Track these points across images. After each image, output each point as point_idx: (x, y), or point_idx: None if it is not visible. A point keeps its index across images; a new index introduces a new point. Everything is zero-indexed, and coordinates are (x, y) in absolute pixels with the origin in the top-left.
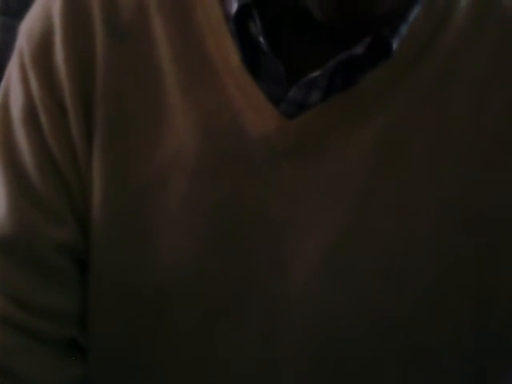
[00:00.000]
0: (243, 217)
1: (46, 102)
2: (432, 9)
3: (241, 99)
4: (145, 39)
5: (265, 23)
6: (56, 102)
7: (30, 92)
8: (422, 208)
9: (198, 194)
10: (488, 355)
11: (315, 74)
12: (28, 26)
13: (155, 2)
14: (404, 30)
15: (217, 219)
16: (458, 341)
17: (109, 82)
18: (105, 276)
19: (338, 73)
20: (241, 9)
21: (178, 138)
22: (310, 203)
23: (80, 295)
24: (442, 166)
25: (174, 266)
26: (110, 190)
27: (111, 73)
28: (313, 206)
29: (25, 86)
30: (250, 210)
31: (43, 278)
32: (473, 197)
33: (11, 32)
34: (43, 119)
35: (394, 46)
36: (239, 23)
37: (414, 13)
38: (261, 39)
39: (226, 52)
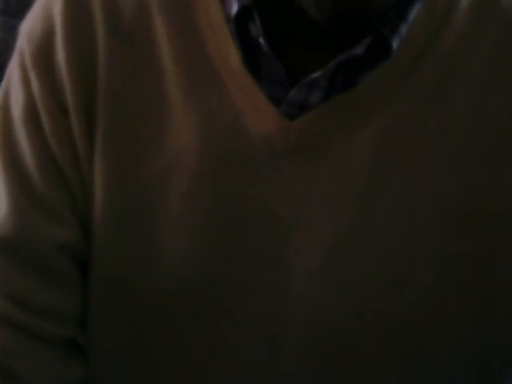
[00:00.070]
0: (244, 217)
1: (46, 101)
2: (432, 9)
3: (241, 100)
4: (146, 39)
5: (265, 24)
6: (57, 102)
7: (31, 92)
8: (422, 208)
9: (199, 195)
10: (488, 355)
11: (316, 74)
12: (29, 27)
13: (156, 2)
14: (404, 30)
15: (217, 219)
16: (458, 341)
17: (110, 82)
18: (106, 276)
19: (338, 73)
20: (241, 10)
21: (179, 138)
22: (311, 204)
23: (80, 295)
24: (442, 166)
25: (175, 266)
26: (112, 190)
27: (112, 73)
28: (313, 206)
29: (25, 85)
30: (250, 211)
31: (44, 278)
32: (473, 197)
33: (11, 32)
34: (44, 119)
35: (394, 45)
36: (240, 24)
37: (414, 13)
38: (261, 40)
39: (227, 53)
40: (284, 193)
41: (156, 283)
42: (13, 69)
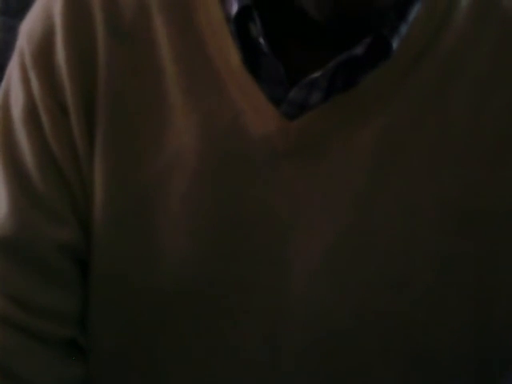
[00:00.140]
0: (244, 217)
1: (46, 101)
2: (432, 9)
3: (241, 100)
4: (146, 39)
5: (265, 24)
6: (57, 102)
7: (31, 92)
8: (422, 208)
9: (199, 195)
10: (488, 355)
11: (316, 74)
12: (29, 27)
13: (156, 2)
14: (404, 30)
15: (217, 219)
16: (458, 341)
17: (110, 82)
18: (106, 276)
19: (338, 73)
20: (241, 10)
21: (179, 138)
22: (311, 204)
23: (80, 295)
24: (442, 165)
25: (175, 266)
26: (112, 190)
27: (112, 73)
28: (313, 206)
29: (25, 85)
30: (250, 211)
31: (44, 278)
32: (473, 197)
33: (11, 32)
34: (44, 119)
35: (394, 45)
36: (240, 24)
37: (414, 13)
38: (261, 40)
39: (227, 53)
40: (284, 193)
41: (156, 283)
42: (13, 69)
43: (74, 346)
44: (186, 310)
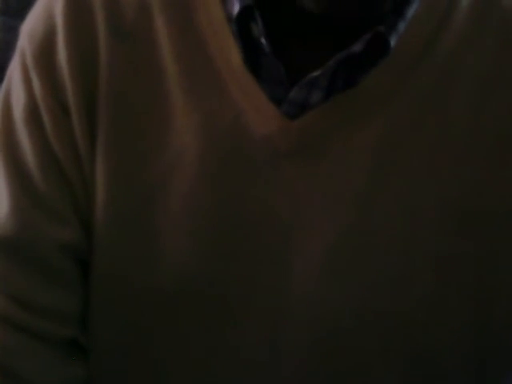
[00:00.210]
0: (244, 217)
1: (48, 101)
2: (432, 9)
3: (243, 100)
4: (147, 39)
5: (266, 24)
6: (58, 102)
7: (32, 92)
8: (423, 208)
9: (200, 195)
10: (488, 355)
11: (316, 73)
12: (30, 27)
13: (158, 2)
14: (402, 27)
15: (218, 219)
16: (458, 341)
17: (112, 82)
18: (107, 276)
19: (338, 73)
20: (243, 10)
21: (181, 138)
22: (312, 203)
23: (82, 295)
24: (442, 165)
25: (176, 266)
26: (113, 191)
27: (114, 73)
28: (314, 206)
29: (27, 85)
30: (251, 211)
31: (45, 278)
32: (473, 197)
33: (11, 32)
34: (46, 119)
35: (392, 43)
36: (241, 24)
37: (412, 10)
38: (262, 40)
39: (228, 53)
40: (285, 193)
41: (156, 283)
42: (14, 69)
43: (75, 346)
44: (187, 309)
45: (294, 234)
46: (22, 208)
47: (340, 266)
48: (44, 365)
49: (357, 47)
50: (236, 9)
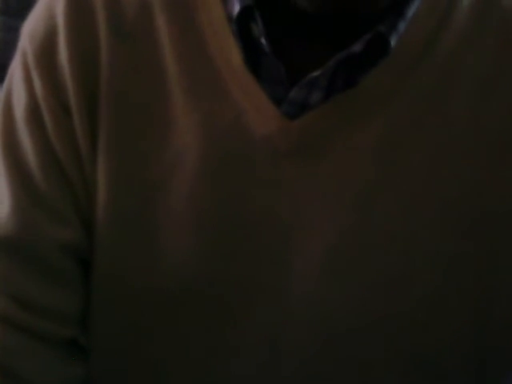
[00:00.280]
0: (245, 217)
1: (49, 101)
2: (432, 9)
3: (243, 99)
4: (148, 39)
5: (266, 24)
6: (60, 102)
7: (34, 91)
8: (423, 208)
9: (201, 194)
10: (488, 355)
11: (316, 73)
12: (31, 27)
13: (159, 1)
14: (402, 27)
15: (219, 219)
16: (458, 341)
17: (112, 82)
18: (108, 276)
19: (338, 73)
20: (243, 10)
21: (181, 137)
22: (312, 203)
23: (82, 295)
24: (442, 165)
25: (176, 266)
26: (114, 190)
27: (115, 72)
28: (314, 206)
29: (28, 85)
30: (251, 210)
31: (46, 278)
32: (473, 197)
33: (11, 32)
34: (47, 119)
35: (392, 43)
36: (241, 24)
37: (412, 10)
38: (263, 40)
39: (228, 53)
40: (285, 192)
41: (157, 283)
42: (15, 68)
43: (75, 346)
44: (187, 309)
45: (294, 234)
46: (23, 208)
47: (340, 266)
48: (44, 365)
49: (357, 47)
50: (236, 9)
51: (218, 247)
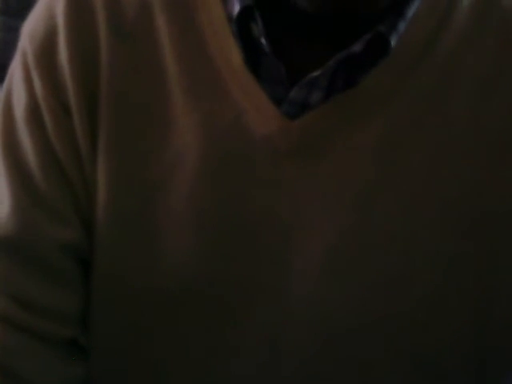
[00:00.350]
0: (245, 217)
1: (49, 101)
2: (433, 8)
3: (243, 99)
4: (148, 39)
5: (266, 24)
6: (60, 102)
7: (34, 91)
8: (423, 208)
9: (201, 194)
10: (488, 355)
11: (316, 73)
12: (31, 27)
13: (159, 1)
14: (402, 27)
15: (219, 219)
16: (458, 341)
17: (112, 82)
18: (108, 276)
19: (339, 72)
20: (243, 10)
21: (181, 137)
22: (312, 203)
23: (82, 295)
24: (443, 165)
25: (176, 266)
26: (115, 190)
27: (115, 72)
28: (315, 206)
29: (28, 85)
30: (251, 210)
31: (46, 278)
32: (473, 197)
33: (11, 32)
34: (47, 119)
35: (392, 43)
36: (241, 24)
37: (412, 10)
38: (263, 40)
39: (229, 53)
40: (285, 192)
41: (157, 283)
42: (15, 68)
43: (75, 346)
44: (187, 309)
45: (294, 234)
46: (23, 207)
47: (340, 265)
48: (44, 365)
49: (357, 47)
50: (236, 9)
51: (218, 247)
